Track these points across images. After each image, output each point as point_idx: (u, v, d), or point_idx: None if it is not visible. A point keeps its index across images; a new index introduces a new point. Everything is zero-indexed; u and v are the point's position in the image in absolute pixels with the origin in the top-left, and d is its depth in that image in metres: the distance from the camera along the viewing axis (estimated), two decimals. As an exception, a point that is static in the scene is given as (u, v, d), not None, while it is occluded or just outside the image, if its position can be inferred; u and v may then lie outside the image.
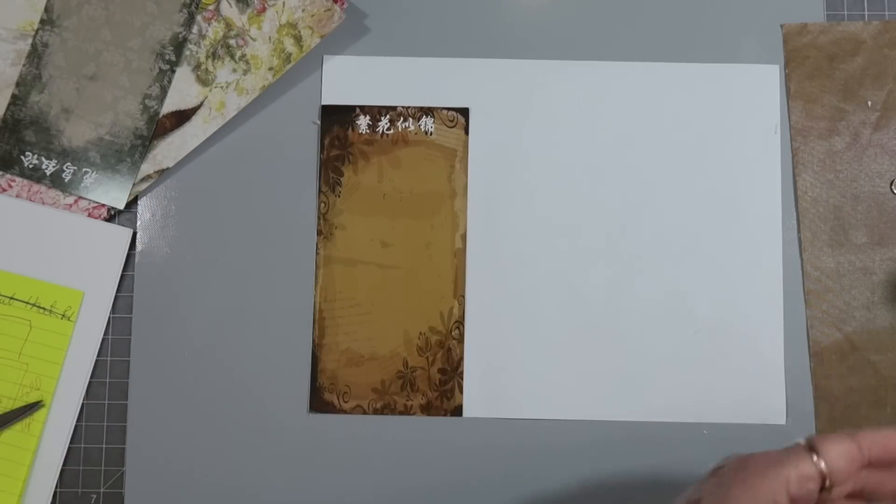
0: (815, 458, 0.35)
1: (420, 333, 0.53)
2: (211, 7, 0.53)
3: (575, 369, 0.53)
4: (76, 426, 0.52)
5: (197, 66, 0.54)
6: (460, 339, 0.53)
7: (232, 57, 0.53)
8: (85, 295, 0.53)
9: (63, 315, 0.52)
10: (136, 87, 0.53)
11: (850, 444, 0.36)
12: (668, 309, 0.54)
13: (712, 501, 0.36)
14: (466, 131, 0.54)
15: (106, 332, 0.53)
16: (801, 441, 0.36)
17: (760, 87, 0.55)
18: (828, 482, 0.35)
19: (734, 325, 0.54)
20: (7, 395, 0.52)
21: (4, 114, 0.53)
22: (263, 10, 0.53)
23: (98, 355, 0.53)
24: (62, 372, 0.52)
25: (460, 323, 0.53)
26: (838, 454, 0.35)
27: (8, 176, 0.53)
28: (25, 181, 0.53)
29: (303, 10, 0.53)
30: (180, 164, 0.54)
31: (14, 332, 0.52)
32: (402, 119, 0.54)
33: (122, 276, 0.53)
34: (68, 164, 0.53)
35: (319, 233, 0.54)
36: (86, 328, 0.53)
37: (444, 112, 0.54)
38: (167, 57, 0.53)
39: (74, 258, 0.53)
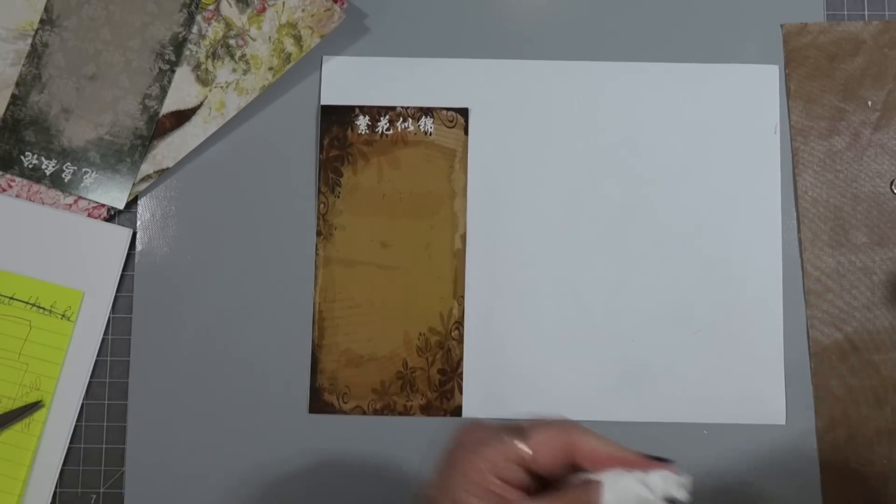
0: (518, 441, 0.36)
1: (420, 334, 0.53)
2: (211, 7, 0.53)
3: (575, 369, 0.53)
4: (76, 426, 0.52)
5: (197, 66, 0.54)
6: (460, 340, 0.53)
7: (232, 57, 0.53)
8: (85, 295, 0.53)
9: (63, 315, 0.52)
10: (136, 87, 0.53)
11: (561, 438, 0.36)
12: (668, 309, 0.54)
13: (435, 478, 0.37)
14: (466, 131, 0.54)
15: (106, 332, 0.53)
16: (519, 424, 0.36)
17: (760, 87, 0.55)
18: (532, 466, 0.36)
19: (734, 325, 0.53)
20: (7, 395, 0.52)
21: (4, 114, 0.53)
22: (263, 9, 0.53)
23: (98, 355, 0.53)
24: (62, 372, 0.52)
25: (460, 323, 0.53)
26: (544, 441, 0.36)
27: (8, 176, 0.53)
28: (25, 181, 0.53)
29: (303, 10, 0.53)
30: (180, 164, 0.54)
31: (14, 332, 0.52)
32: (401, 119, 0.54)
33: (122, 276, 0.53)
34: (68, 164, 0.53)
35: (319, 233, 0.54)
36: (86, 328, 0.53)
37: (444, 112, 0.54)
38: (167, 57, 0.53)
39: (74, 258, 0.53)
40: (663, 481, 0.36)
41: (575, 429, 0.37)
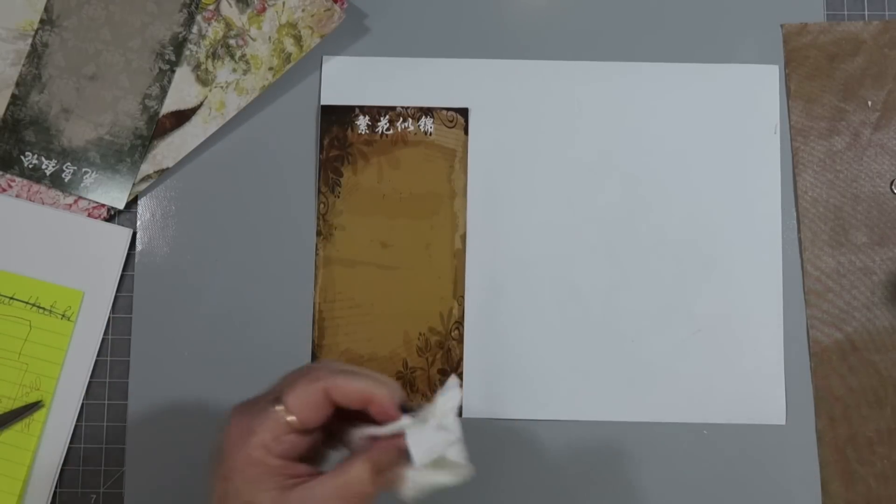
0: (279, 408, 0.35)
1: (420, 334, 0.53)
2: (211, 7, 0.53)
3: (575, 370, 0.53)
4: (76, 426, 0.52)
5: (197, 66, 0.54)
6: (460, 340, 0.53)
7: (232, 57, 0.53)
8: (85, 295, 0.53)
9: (63, 315, 0.52)
10: (136, 87, 0.53)
11: (315, 391, 0.35)
12: (668, 309, 0.54)
13: (217, 486, 0.36)
14: (466, 131, 0.54)
15: (106, 332, 0.53)
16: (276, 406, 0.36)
17: (760, 87, 0.55)
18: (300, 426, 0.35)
19: (734, 325, 0.53)
20: (7, 395, 0.52)
21: (4, 114, 0.53)
22: (263, 10, 0.53)
23: (98, 355, 0.53)
24: (62, 372, 0.52)
25: (460, 323, 0.53)
26: (301, 402, 0.35)
27: (8, 176, 0.53)
28: (25, 181, 0.53)
29: (303, 10, 0.53)
30: (180, 164, 0.54)
31: (14, 332, 0.52)
32: (401, 119, 0.54)
33: (122, 276, 0.53)
34: (68, 164, 0.53)
35: (319, 233, 0.54)
36: (86, 328, 0.53)
37: (444, 112, 0.55)
38: (167, 57, 0.53)
39: (74, 258, 0.53)
40: (453, 409, 0.36)
41: (324, 374, 0.36)
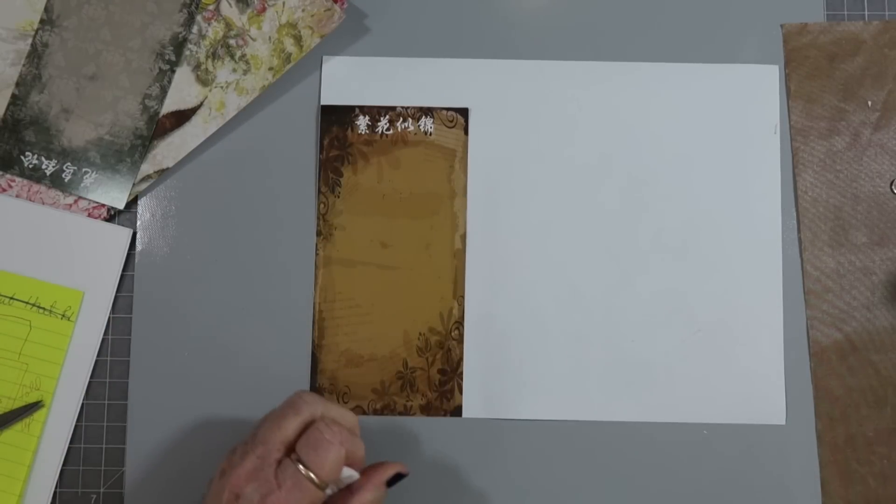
0: (317, 479, 0.40)
1: (420, 334, 0.53)
2: (211, 7, 0.53)
3: (574, 370, 0.53)
4: (76, 426, 0.52)
5: (197, 66, 0.54)
6: (460, 340, 0.53)
7: (232, 57, 0.53)
8: (85, 295, 0.53)
9: (63, 315, 0.52)
10: (136, 87, 0.53)
11: (339, 455, 0.41)
12: (668, 309, 0.54)
13: None
14: (466, 132, 0.54)
15: (106, 332, 0.53)
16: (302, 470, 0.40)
17: (760, 87, 0.55)
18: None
19: (734, 325, 0.53)
20: (7, 395, 0.52)
21: (4, 114, 0.53)
22: (263, 10, 0.53)
23: (98, 355, 0.53)
24: (62, 372, 0.52)
25: (460, 323, 0.53)
26: (330, 468, 0.40)
27: (8, 176, 0.53)
28: (25, 181, 0.53)
29: (303, 10, 0.53)
30: (180, 164, 0.54)
31: (14, 332, 0.52)
32: (401, 119, 0.54)
33: (122, 276, 0.54)
34: (68, 164, 0.53)
35: (319, 233, 0.54)
36: (86, 328, 0.53)
37: (444, 112, 0.55)
38: (167, 57, 0.53)
39: (74, 258, 0.53)
40: None
41: (338, 436, 0.41)
